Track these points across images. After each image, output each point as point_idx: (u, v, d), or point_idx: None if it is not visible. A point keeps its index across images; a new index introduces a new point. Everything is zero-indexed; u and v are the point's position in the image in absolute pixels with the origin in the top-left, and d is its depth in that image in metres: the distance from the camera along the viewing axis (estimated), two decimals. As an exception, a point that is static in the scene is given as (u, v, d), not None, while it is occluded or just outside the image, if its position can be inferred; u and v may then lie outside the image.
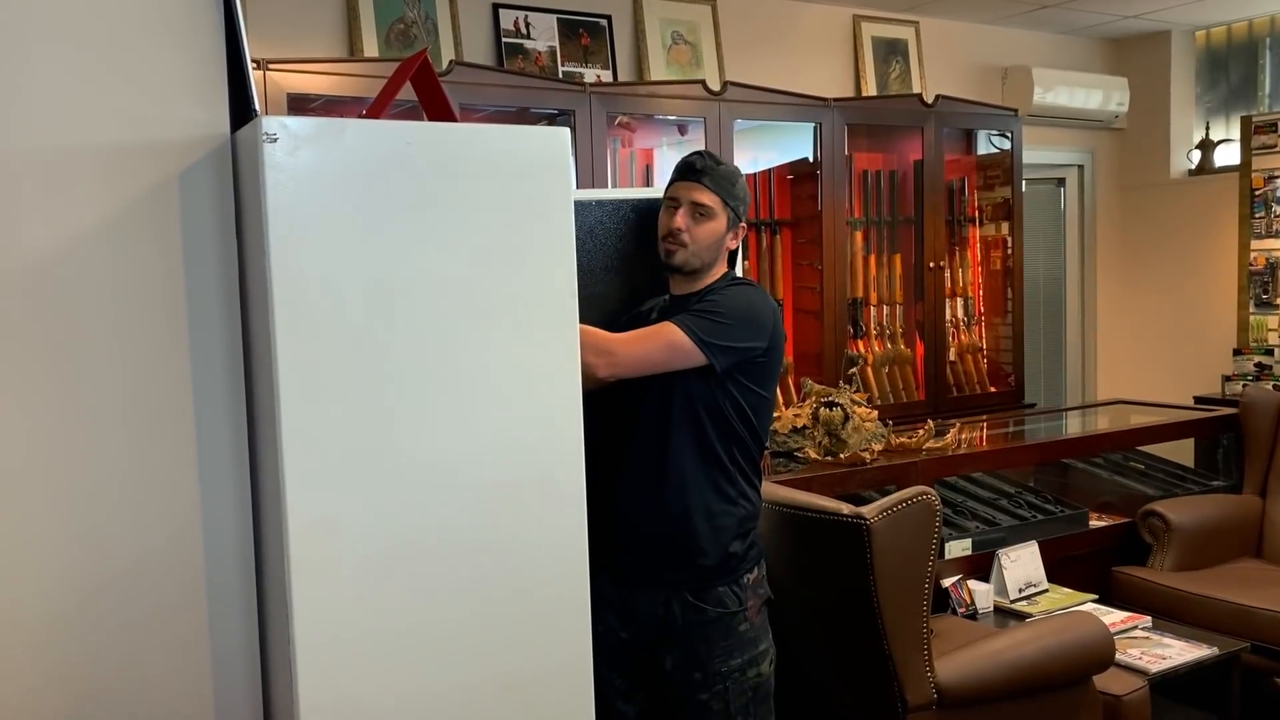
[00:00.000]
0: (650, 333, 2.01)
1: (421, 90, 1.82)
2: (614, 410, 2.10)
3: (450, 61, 3.43)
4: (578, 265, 1.72)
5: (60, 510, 1.52)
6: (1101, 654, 2.71)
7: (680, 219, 2.07)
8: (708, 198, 2.08)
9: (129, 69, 1.54)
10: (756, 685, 2.07)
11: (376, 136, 1.52)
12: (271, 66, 3.06)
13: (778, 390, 2.30)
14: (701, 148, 3.83)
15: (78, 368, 1.52)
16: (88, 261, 1.52)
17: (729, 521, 2.06)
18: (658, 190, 2.23)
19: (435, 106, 1.81)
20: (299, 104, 3.12)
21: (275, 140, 1.44)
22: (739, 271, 2.23)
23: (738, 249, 2.19)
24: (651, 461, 2.05)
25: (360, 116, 1.70)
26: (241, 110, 1.63)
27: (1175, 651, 3.01)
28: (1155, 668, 2.90)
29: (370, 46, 3.62)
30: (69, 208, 1.50)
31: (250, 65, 1.68)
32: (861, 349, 4.35)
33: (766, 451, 2.50)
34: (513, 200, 1.62)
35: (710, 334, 1.99)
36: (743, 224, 2.15)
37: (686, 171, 2.13)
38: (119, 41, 1.53)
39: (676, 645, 2.06)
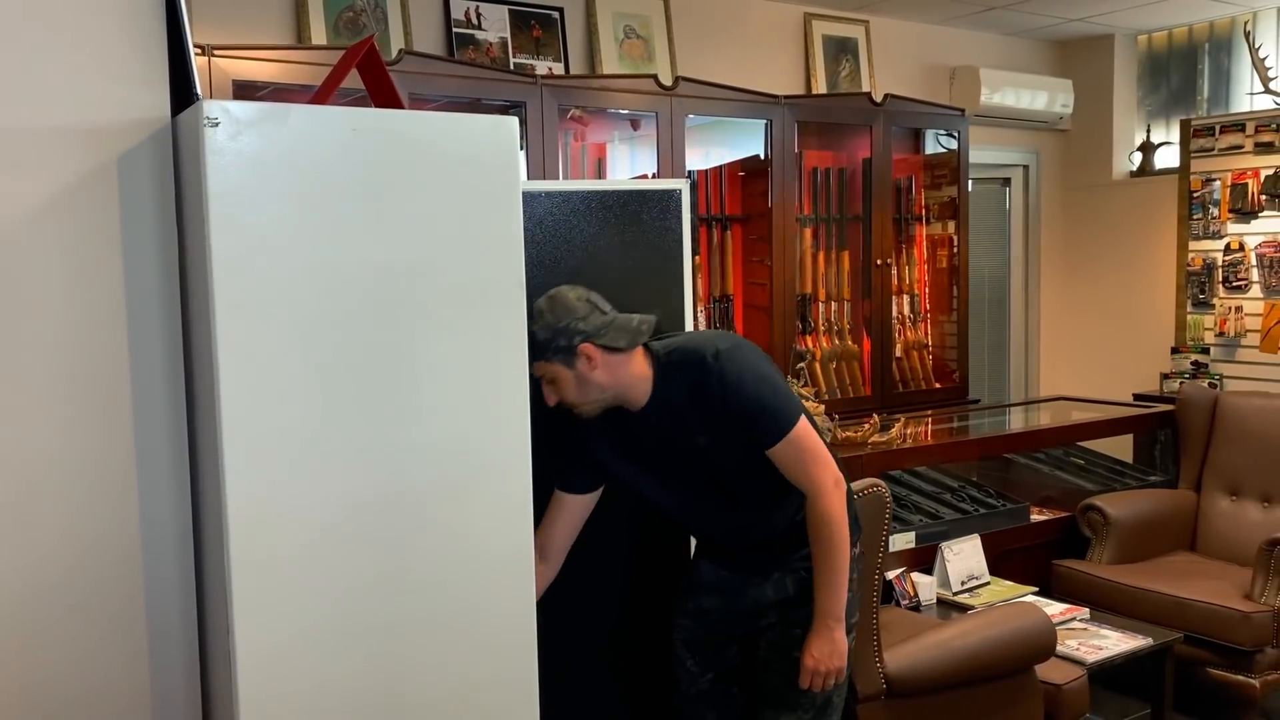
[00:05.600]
0: (793, 461, 2.03)
1: (368, 78, 1.80)
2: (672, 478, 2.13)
3: (400, 51, 3.40)
4: (526, 257, 1.71)
5: (-8, 500, 1.49)
6: (1044, 644, 2.76)
7: (547, 397, 2.00)
8: (537, 369, 1.94)
9: (66, 50, 1.50)
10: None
11: (320, 122, 1.50)
12: (216, 53, 3.01)
13: None
14: (654, 144, 3.85)
15: (9, 353, 1.49)
16: (21, 244, 1.49)
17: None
18: (608, 183, 2.23)
19: (382, 94, 1.80)
20: (245, 91, 3.08)
21: (217, 124, 1.42)
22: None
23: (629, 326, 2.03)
24: (753, 509, 2.13)
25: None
26: (183, 94, 1.60)
27: (1112, 642, 3.07)
28: (1093, 658, 2.96)
29: (319, 34, 3.58)
30: (2, 190, 1.47)
31: (193, 50, 1.65)
32: (810, 345, 4.39)
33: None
34: (460, 189, 1.61)
35: (790, 410, 2.02)
36: (579, 343, 1.94)
37: None
38: (56, 21, 1.50)
39: (786, 605, 2.14)
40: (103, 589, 1.58)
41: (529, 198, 2.15)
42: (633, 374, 2.02)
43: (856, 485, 2.51)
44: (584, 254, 2.26)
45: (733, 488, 2.10)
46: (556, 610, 2.06)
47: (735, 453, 2.04)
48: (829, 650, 2.06)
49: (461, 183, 1.61)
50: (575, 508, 2.11)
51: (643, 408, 2.04)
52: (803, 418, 2.04)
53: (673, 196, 2.34)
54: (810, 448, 2.03)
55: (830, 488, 2.03)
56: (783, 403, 2.02)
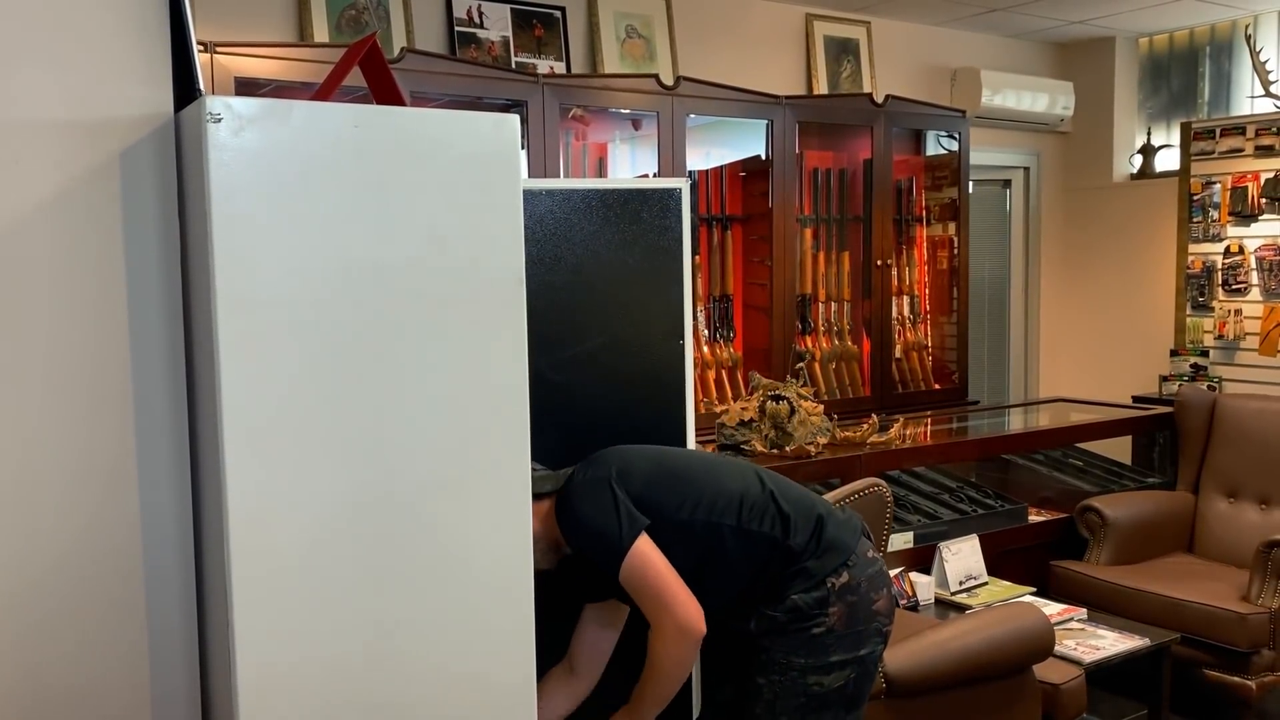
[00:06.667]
0: (637, 595, 1.94)
1: (370, 75, 1.80)
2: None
3: (402, 49, 3.40)
4: (526, 254, 1.71)
5: (-7, 493, 1.49)
6: (1043, 643, 2.76)
7: None
8: None
9: (69, 44, 1.51)
10: (814, 694, 2.01)
11: (323, 118, 1.50)
12: (219, 49, 3.02)
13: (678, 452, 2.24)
14: (655, 144, 3.86)
15: (11, 348, 1.49)
16: (23, 240, 1.49)
17: (753, 569, 2.03)
18: (608, 181, 2.24)
19: (384, 92, 1.80)
20: (247, 88, 3.08)
21: (219, 120, 1.42)
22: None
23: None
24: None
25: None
26: (186, 90, 1.61)
27: (1109, 642, 3.08)
28: (1090, 658, 2.97)
29: (321, 32, 3.59)
30: (3, 183, 1.47)
31: (196, 46, 1.65)
32: (809, 345, 4.40)
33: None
34: (461, 186, 1.61)
35: (617, 539, 1.93)
36: None
37: None
38: (59, 16, 1.50)
39: (755, 636, 2.06)
40: (103, 583, 1.58)
41: (530, 196, 2.16)
42: (552, 519, 2.02)
43: (856, 485, 2.52)
44: (584, 252, 2.27)
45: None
46: (560, 613, 2.07)
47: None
48: None
49: (463, 180, 1.61)
50: (595, 616, 2.11)
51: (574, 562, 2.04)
52: (638, 548, 1.92)
53: (673, 195, 2.35)
54: (650, 583, 1.92)
55: (669, 632, 1.90)
56: (612, 534, 1.93)
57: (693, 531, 2.00)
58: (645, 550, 1.93)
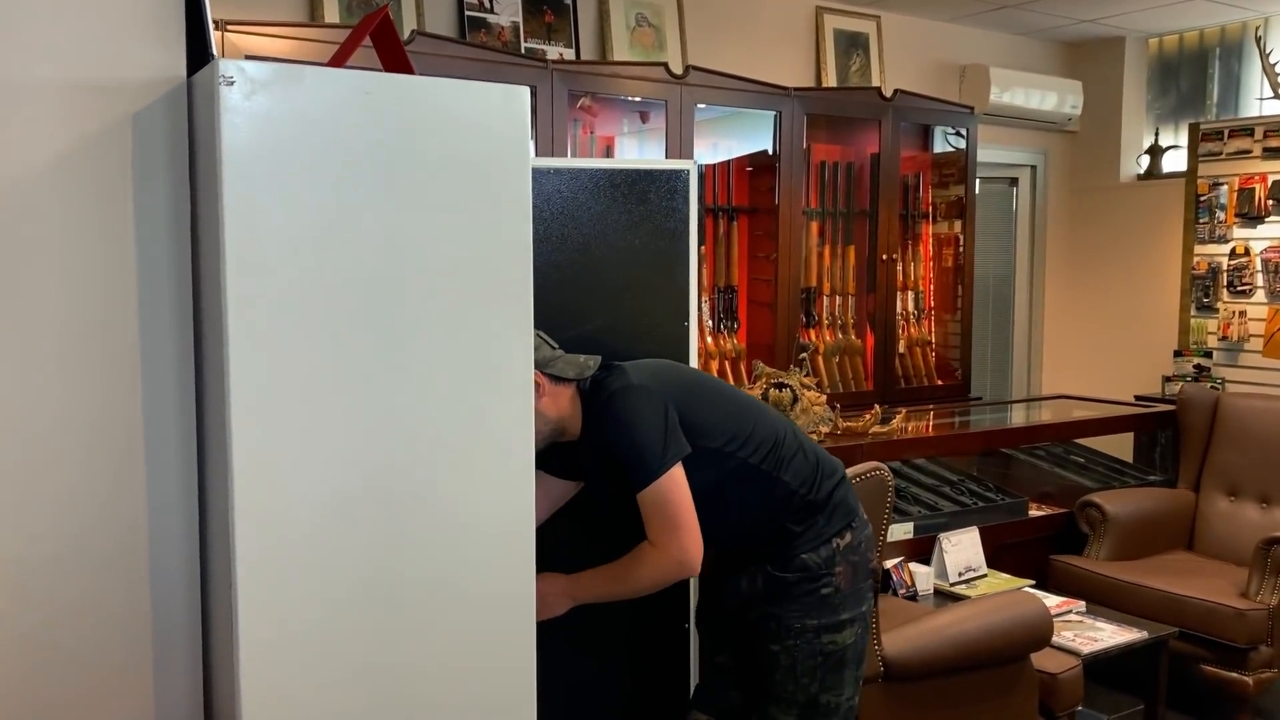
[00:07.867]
0: (651, 516, 1.95)
1: (382, 47, 1.81)
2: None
3: (412, 31, 3.41)
4: (533, 233, 1.72)
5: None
6: (1041, 632, 2.77)
7: None
8: None
9: (83, 5, 1.52)
10: (830, 652, 2.06)
11: (335, 84, 1.51)
12: (230, 27, 3.03)
13: (715, 388, 2.22)
14: (662, 137, 3.87)
15: (16, 313, 1.49)
16: (33, 200, 1.50)
17: (767, 512, 2.07)
18: (616, 161, 2.25)
19: (395, 64, 1.81)
20: (257, 67, 3.09)
21: (232, 83, 1.43)
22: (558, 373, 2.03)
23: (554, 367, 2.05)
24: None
25: (319, 69, 1.68)
26: (199, 55, 1.62)
27: (1107, 635, 3.09)
28: (1087, 649, 2.97)
29: (332, 12, 3.60)
30: (15, 143, 1.48)
31: (210, 17, 1.66)
32: (813, 338, 4.40)
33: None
34: (470, 157, 1.62)
35: (657, 460, 1.94)
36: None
37: None
38: (75, -22, 1.51)
39: (759, 600, 2.10)
40: (106, 561, 1.56)
41: (538, 174, 2.17)
42: (573, 408, 2.04)
43: (858, 469, 2.53)
44: (590, 231, 2.28)
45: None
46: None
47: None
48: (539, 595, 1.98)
49: (472, 150, 1.62)
50: (546, 489, 2.11)
51: (579, 439, 2.06)
52: (673, 476, 1.94)
53: (680, 177, 2.35)
54: (670, 512, 1.93)
55: (669, 556, 1.93)
56: (654, 452, 1.94)
57: (721, 463, 2.03)
58: (678, 478, 1.95)
